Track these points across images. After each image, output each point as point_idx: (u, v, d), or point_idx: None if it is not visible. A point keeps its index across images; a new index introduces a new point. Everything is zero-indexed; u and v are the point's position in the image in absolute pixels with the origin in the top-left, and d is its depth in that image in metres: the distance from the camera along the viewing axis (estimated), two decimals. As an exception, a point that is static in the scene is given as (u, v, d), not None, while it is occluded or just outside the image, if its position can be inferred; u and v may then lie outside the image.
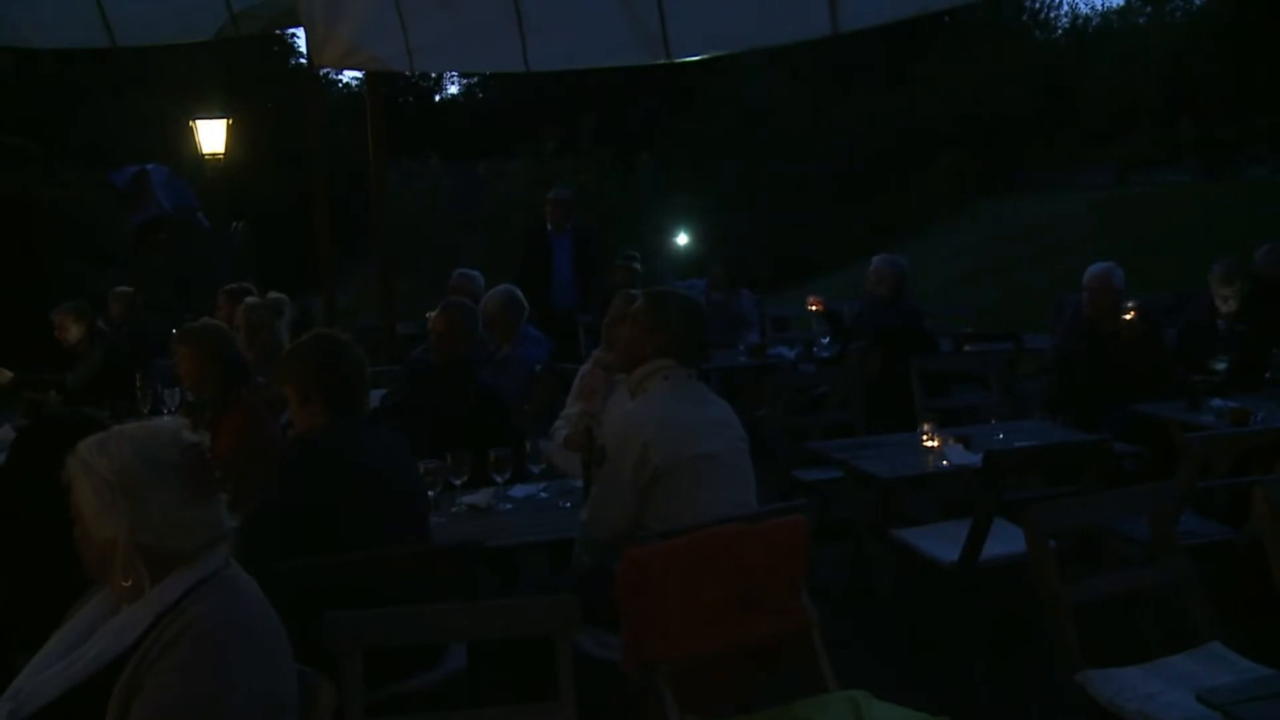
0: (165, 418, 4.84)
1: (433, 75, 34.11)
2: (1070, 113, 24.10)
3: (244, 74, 23.21)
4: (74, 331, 7.50)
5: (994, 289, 15.58)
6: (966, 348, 8.04)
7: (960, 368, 7.07)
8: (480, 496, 3.99)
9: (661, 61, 5.84)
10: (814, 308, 8.66)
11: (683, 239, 22.23)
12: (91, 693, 1.92)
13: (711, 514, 3.17)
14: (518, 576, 4.30)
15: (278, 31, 20.60)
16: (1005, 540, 3.98)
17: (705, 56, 6.40)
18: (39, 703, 1.96)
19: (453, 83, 37.00)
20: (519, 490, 4.11)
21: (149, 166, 13.85)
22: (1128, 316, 5.86)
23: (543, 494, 4.12)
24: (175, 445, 2.06)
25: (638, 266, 8.97)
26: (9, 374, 6.98)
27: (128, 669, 1.91)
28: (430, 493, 3.75)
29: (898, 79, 25.84)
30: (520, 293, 6.05)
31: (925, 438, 4.71)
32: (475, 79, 35.08)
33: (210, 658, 1.92)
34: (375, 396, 4.85)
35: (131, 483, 1.99)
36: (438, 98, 37.75)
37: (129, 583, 1.99)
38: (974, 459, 4.35)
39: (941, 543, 4.26)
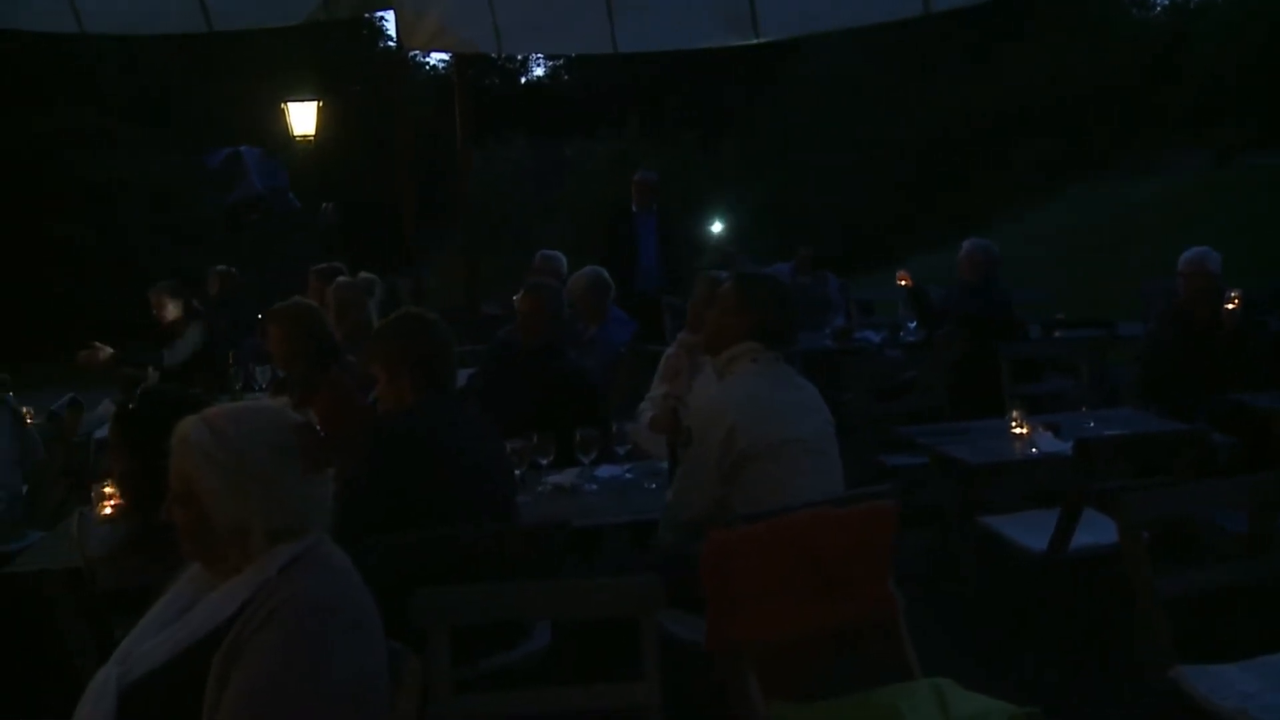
0: (262, 399, 4.94)
1: (518, 57, 34.29)
2: (1167, 93, 23.43)
3: (333, 57, 23.52)
4: (171, 310, 7.65)
5: (1086, 274, 15.26)
6: (1057, 334, 7.90)
7: (1050, 354, 6.94)
8: (565, 476, 4.01)
9: (750, 42, 5.82)
10: (902, 282, 8.54)
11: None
12: (193, 661, 1.97)
13: (797, 498, 3.15)
14: (597, 556, 4.32)
15: (366, 15, 20.86)
16: (1094, 530, 3.91)
17: (794, 36, 6.36)
18: (145, 668, 2.01)
19: (538, 64, 37.16)
20: (604, 471, 4.13)
21: (242, 148, 14.09)
22: (1230, 305, 5.68)
23: (628, 475, 4.13)
24: (288, 425, 2.11)
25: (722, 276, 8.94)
26: (108, 351, 7.15)
27: (227, 639, 1.96)
28: (516, 472, 3.78)
29: (985, 59, 25.34)
30: (607, 274, 6.07)
31: (1014, 424, 4.64)
32: (560, 61, 35.17)
33: (306, 631, 1.95)
34: (462, 376, 4.90)
35: (260, 467, 2.04)
36: (523, 80, 37.93)
37: (240, 557, 2.04)
38: (1064, 447, 4.28)
39: (1029, 531, 4.20)
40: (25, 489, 4.97)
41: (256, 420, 2.10)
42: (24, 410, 5.65)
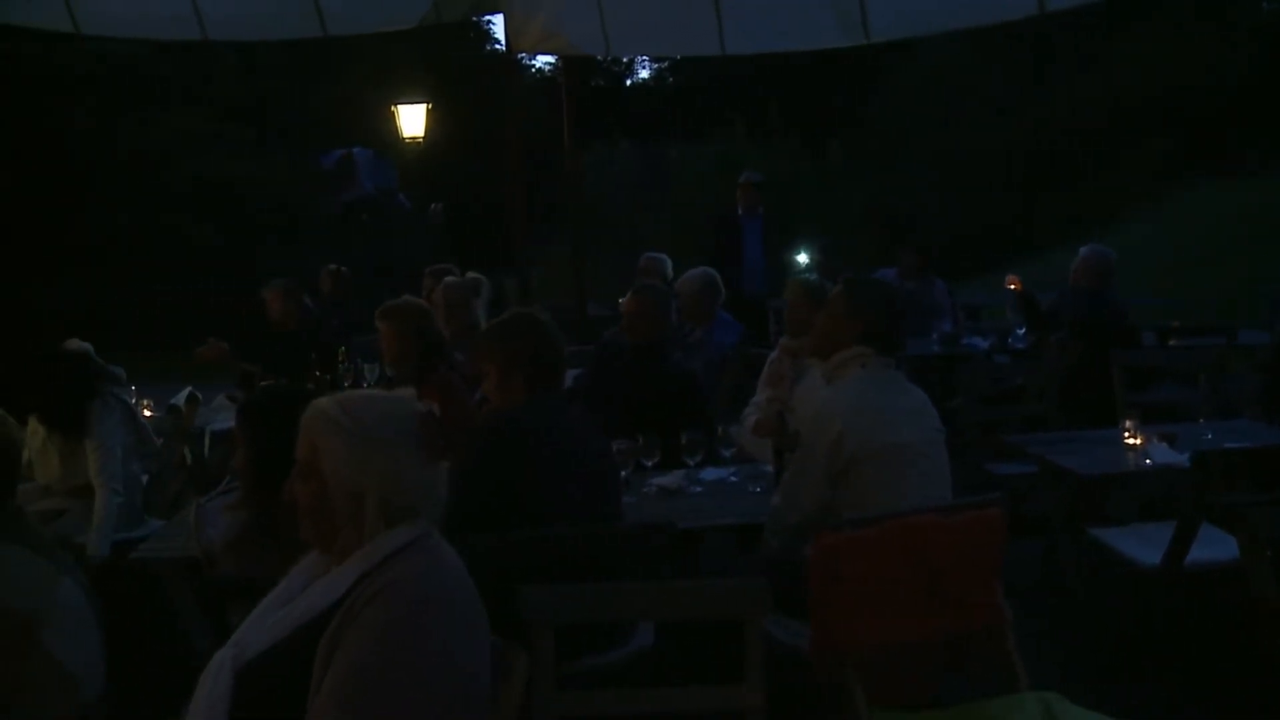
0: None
1: (623, 59, 34.43)
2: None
3: (442, 60, 23.87)
4: (283, 307, 7.82)
5: (1205, 280, 14.79)
6: (1172, 341, 7.69)
7: (1166, 362, 6.76)
8: (671, 478, 4.02)
9: (860, 44, 5.77)
10: (1012, 286, 8.39)
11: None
12: (303, 641, 2.02)
13: (905, 504, 3.13)
14: (699, 559, 4.32)
15: (475, 18, 21.14)
16: (1210, 545, 3.81)
17: (904, 38, 6.29)
18: (258, 648, 2.07)
19: (643, 66, 37.26)
20: (709, 473, 4.13)
21: (354, 150, 14.40)
22: None
23: (733, 478, 4.12)
24: (413, 412, 2.18)
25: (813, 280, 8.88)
26: (224, 346, 7.33)
27: (334, 621, 2.00)
28: (622, 473, 3.80)
29: (1099, 57, 24.64)
30: (718, 276, 6.07)
31: (1127, 434, 4.53)
32: (665, 63, 35.22)
33: (407, 616, 1.99)
34: (569, 377, 4.95)
35: (383, 440, 2.10)
36: (628, 82, 38.07)
37: (355, 532, 2.09)
38: (1180, 458, 4.16)
39: (1142, 544, 4.10)
40: (145, 479, 5.13)
41: (385, 401, 2.20)
42: (143, 402, 5.85)
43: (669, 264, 7.30)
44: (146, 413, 5.75)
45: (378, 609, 1.98)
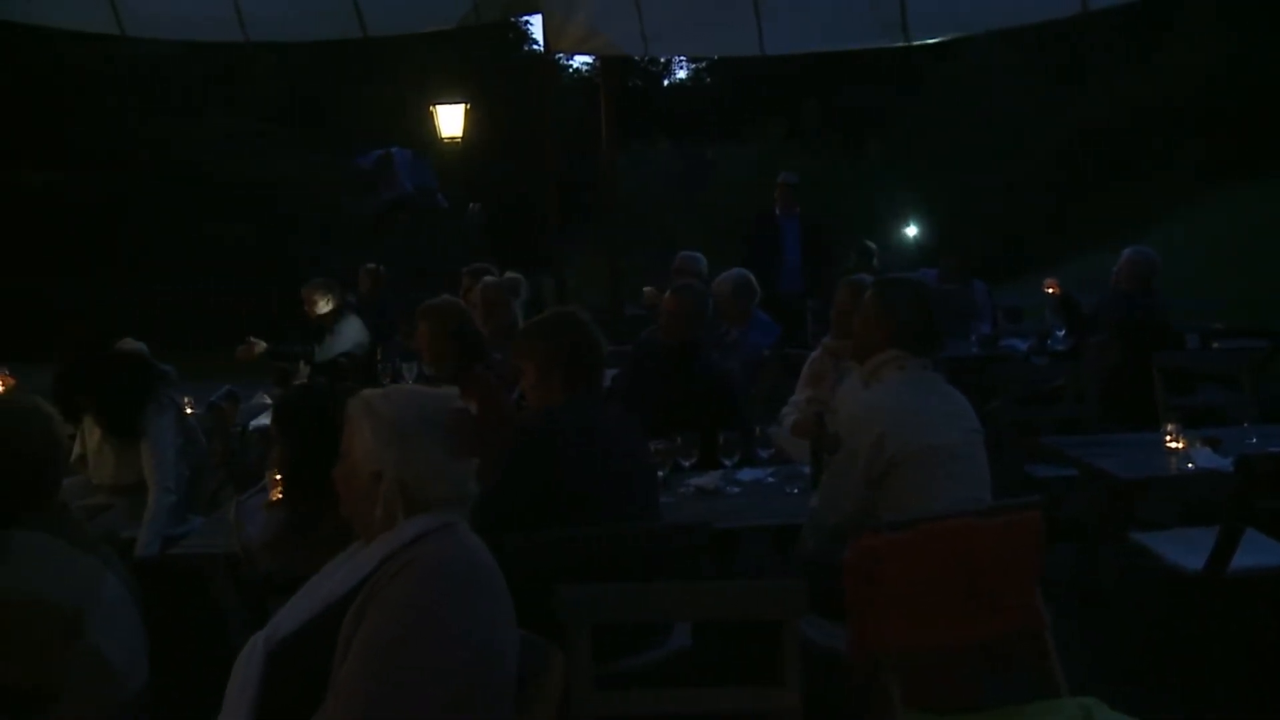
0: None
1: (661, 59, 34.45)
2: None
3: (480, 60, 23.97)
4: (322, 306, 7.87)
5: (1248, 282, 14.60)
6: (1215, 344, 7.60)
7: (1208, 365, 6.68)
8: (708, 479, 4.01)
9: (899, 44, 5.74)
10: (1050, 290, 8.32)
11: (912, 230, 21.69)
12: (331, 619, 2.07)
13: (944, 506, 3.11)
14: (735, 559, 4.31)
15: (513, 18, 21.23)
16: (1255, 551, 3.76)
17: (944, 38, 6.26)
18: (286, 631, 2.14)
19: (680, 67, 37.26)
20: (747, 474, 4.12)
21: (393, 150, 14.47)
22: None
23: (770, 479, 4.11)
24: (446, 405, 2.26)
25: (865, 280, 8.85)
26: (262, 345, 7.39)
27: (358, 598, 2.05)
28: (659, 473, 3.80)
29: (1142, 55, 24.37)
30: (753, 277, 6.06)
31: (1169, 438, 4.47)
32: (703, 63, 35.22)
33: (428, 595, 2.03)
34: (606, 376, 4.95)
35: (407, 427, 2.19)
36: (665, 82, 38.09)
37: (380, 513, 2.15)
38: (1224, 463, 4.11)
39: (1183, 549, 4.04)
40: (188, 476, 5.19)
41: (421, 394, 2.30)
42: (184, 400, 5.91)
43: (704, 263, 7.30)
44: (188, 410, 5.81)
45: (400, 587, 2.03)
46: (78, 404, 4.64)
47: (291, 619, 2.16)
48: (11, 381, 5.28)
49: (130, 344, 5.06)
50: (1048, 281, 8.47)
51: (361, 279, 9.40)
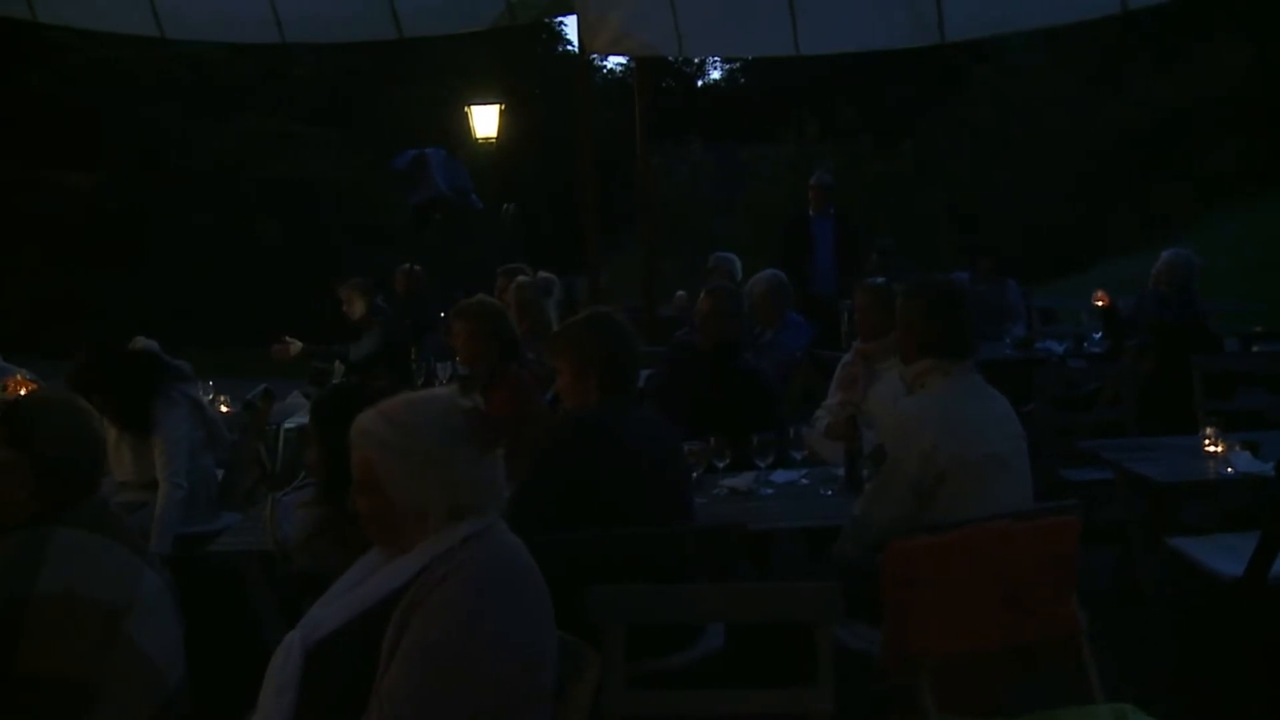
0: (438, 387, 5.08)
1: (695, 60, 34.41)
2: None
3: (514, 61, 24.02)
4: (358, 306, 7.89)
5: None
6: (1255, 347, 7.51)
7: (1247, 368, 6.60)
8: (742, 480, 4.01)
9: (935, 43, 5.72)
10: (1100, 303, 8.22)
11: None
12: (371, 621, 2.08)
13: (992, 512, 3.07)
14: (768, 561, 4.30)
15: (548, 19, 21.27)
16: (1297, 557, 3.71)
17: (980, 37, 6.23)
18: (326, 630, 2.14)
19: (715, 67, 37.20)
20: (780, 475, 4.11)
21: (427, 150, 14.51)
22: None
23: (804, 480, 4.09)
24: (457, 409, 2.20)
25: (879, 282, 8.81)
26: (298, 344, 7.42)
27: (402, 603, 2.06)
28: (693, 474, 3.80)
29: (1181, 53, 24.07)
30: (786, 278, 6.05)
31: (1207, 441, 4.43)
32: (737, 63, 35.15)
33: (472, 598, 2.04)
34: (641, 377, 4.95)
35: (435, 448, 2.14)
36: (699, 83, 38.03)
37: (429, 533, 2.13)
38: (1264, 467, 4.06)
39: (1222, 555, 3.99)
40: (221, 473, 5.23)
41: (428, 407, 2.22)
42: (220, 398, 5.95)
43: (738, 264, 7.28)
44: (223, 408, 5.86)
45: (443, 590, 2.04)
46: (91, 403, 4.68)
47: (329, 619, 2.17)
48: (32, 385, 5.33)
49: (142, 342, 5.11)
50: (1097, 294, 8.35)
51: (396, 279, 9.44)
